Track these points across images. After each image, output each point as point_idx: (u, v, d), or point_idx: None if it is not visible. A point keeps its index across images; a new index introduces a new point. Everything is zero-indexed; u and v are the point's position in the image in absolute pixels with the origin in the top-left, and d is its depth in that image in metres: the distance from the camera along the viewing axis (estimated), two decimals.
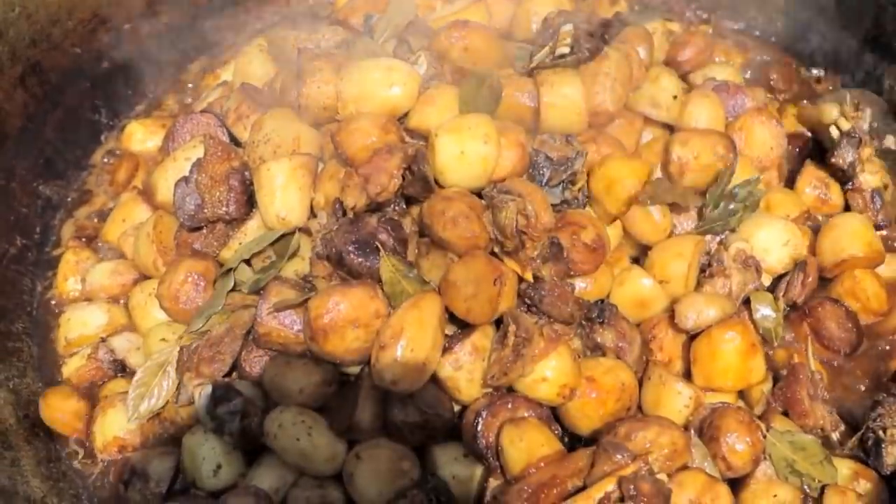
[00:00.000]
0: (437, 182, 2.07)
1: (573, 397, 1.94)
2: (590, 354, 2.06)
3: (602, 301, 2.08)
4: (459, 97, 2.19)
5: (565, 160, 2.12)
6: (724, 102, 2.49)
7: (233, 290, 2.14)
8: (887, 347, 2.25)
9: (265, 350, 2.07)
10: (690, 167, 2.24)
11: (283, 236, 2.15)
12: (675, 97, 2.41)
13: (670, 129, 2.43)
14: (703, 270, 2.19)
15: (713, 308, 2.06)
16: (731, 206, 2.22)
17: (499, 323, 1.97)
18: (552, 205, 2.08)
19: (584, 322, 2.06)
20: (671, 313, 2.11)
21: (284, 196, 2.14)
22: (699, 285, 2.17)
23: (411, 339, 1.84)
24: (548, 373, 1.91)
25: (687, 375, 2.08)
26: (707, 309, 2.06)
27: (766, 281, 2.27)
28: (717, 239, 2.24)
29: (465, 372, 1.92)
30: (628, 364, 2.03)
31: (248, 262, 2.17)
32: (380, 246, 1.96)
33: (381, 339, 1.87)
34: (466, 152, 2.02)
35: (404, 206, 2.12)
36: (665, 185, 2.25)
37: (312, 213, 2.19)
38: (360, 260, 1.97)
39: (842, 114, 2.44)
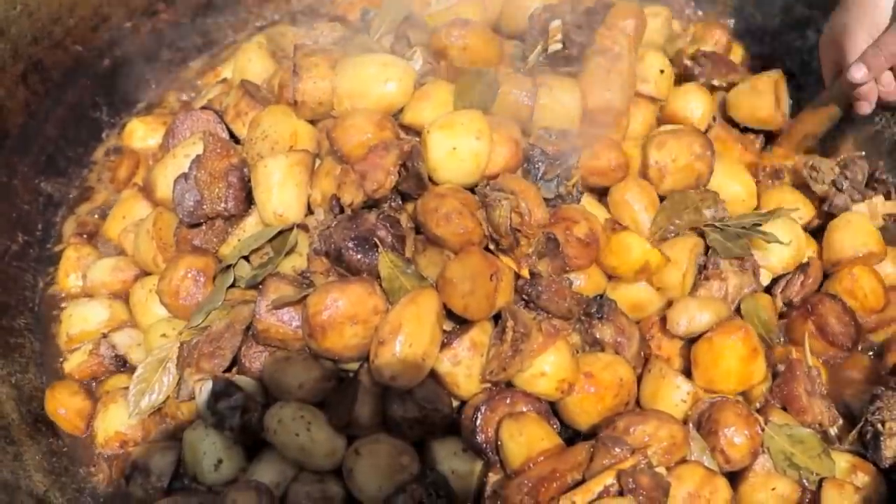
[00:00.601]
0: (430, 179, 2.08)
1: (572, 392, 1.94)
2: (588, 349, 2.06)
3: (601, 296, 2.08)
4: (455, 92, 2.19)
5: (561, 155, 2.12)
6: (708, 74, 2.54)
7: (232, 285, 2.14)
8: (884, 341, 2.25)
9: (265, 346, 2.08)
10: (669, 170, 2.23)
11: (280, 233, 2.16)
12: (661, 71, 2.41)
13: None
14: (699, 271, 2.18)
15: (706, 313, 2.06)
16: (740, 241, 2.17)
17: (497, 318, 1.97)
18: (546, 199, 2.08)
19: (582, 317, 2.06)
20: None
21: (281, 193, 2.15)
22: (695, 287, 2.16)
23: (409, 335, 1.85)
24: (546, 367, 1.91)
25: (687, 374, 2.07)
26: (700, 314, 2.06)
27: (766, 279, 2.26)
28: None
29: (463, 367, 1.92)
30: (627, 359, 2.03)
31: (246, 258, 2.18)
32: (378, 242, 1.97)
33: (379, 334, 1.88)
34: (458, 148, 2.03)
35: (400, 203, 2.12)
36: (673, 211, 2.23)
37: (309, 210, 2.19)
38: (359, 256, 1.98)
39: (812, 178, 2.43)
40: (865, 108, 2.32)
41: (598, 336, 2.04)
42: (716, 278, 2.14)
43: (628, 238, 2.14)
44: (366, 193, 2.03)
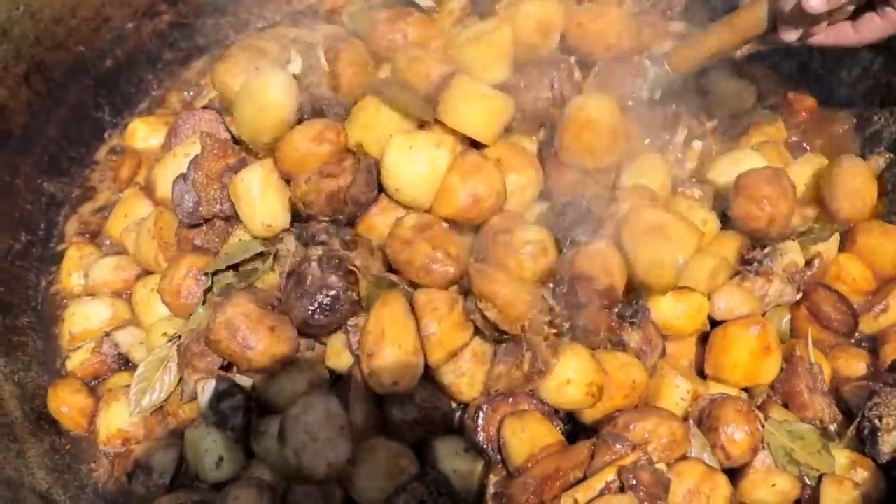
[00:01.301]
0: (382, 186, 2.06)
1: (602, 397, 1.89)
2: (610, 348, 2.02)
3: (637, 302, 2.03)
4: (390, 103, 2.09)
5: (589, 212, 2.08)
6: None
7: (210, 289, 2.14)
8: (876, 334, 2.26)
9: (217, 354, 2.03)
10: None
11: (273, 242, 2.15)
12: None
13: None
14: (748, 262, 2.16)
15: (745, 308, 2.08)
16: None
17: (498, 328, 1.90)
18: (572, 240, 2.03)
19: (614, 319, 2.02)
20: None
21: (264, 203, 2.10)
22: (742, 277, 2.14)
23: (395, 337, 1.83)
24: (570, 373, 1.88)
25: (699, 372, 2.09)
26: (740, 306, 2.08)
27: None
28: None
29: (466, 377, 1.92)
30: (645, 367, 2.00)
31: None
32: (338, 297, 1.96)
33: (365, 348, 1.86)
34: (415, 148, 2.00)
35: (333, 230, 2.10)
36: None
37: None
38: (326, 320, 1.98)
39: None
40: (792, 35, 2.10)
41: (624, 339, 2.02)
42: (764, 276, 2.13)
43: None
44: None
